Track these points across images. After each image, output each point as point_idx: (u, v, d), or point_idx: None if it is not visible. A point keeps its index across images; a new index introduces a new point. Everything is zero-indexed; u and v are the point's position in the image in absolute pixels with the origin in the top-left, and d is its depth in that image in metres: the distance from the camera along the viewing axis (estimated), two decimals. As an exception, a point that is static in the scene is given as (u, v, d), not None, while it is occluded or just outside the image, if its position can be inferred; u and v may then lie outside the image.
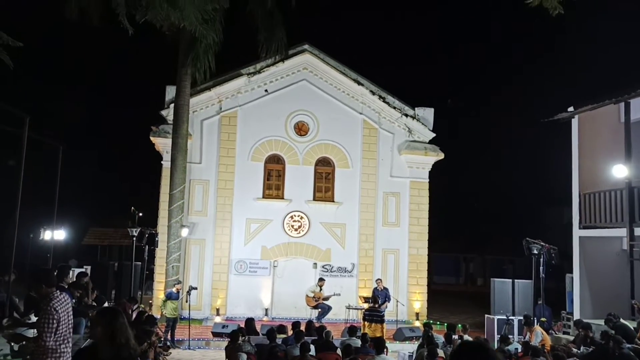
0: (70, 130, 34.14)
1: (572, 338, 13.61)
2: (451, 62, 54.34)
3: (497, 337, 15.14)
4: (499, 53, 51.85)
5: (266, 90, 20.54)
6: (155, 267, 19.44)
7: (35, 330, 6.23)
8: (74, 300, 9.62)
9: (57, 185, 18.21)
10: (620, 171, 15.28)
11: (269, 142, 20.35)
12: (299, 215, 20.12)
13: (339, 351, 10.21)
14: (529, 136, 40.39)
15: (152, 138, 19.74)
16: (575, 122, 17.71)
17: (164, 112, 19.82)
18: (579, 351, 11.27)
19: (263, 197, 20.15)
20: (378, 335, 13.80)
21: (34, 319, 7.12)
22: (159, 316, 16.04)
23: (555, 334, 15.74)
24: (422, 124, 21.02)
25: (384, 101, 20.91)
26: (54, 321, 5.66)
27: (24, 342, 6.86)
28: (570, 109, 17.47)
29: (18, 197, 12.89)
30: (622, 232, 15.57)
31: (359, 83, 20.77)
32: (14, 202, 12.99)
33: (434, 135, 21.05)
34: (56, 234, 25.76)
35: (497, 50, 51.55)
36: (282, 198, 20.22)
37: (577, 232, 17.32)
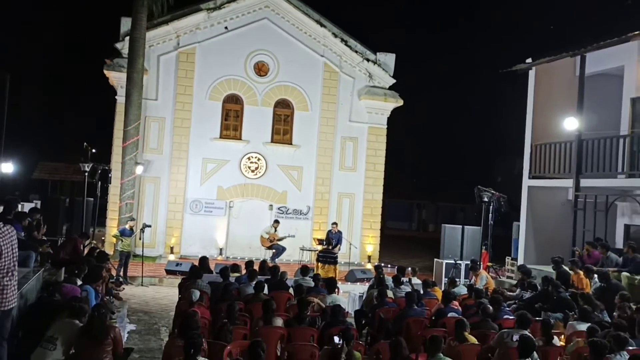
0: (19, 60, 32.66)
1: (515, 282, 14.25)
2: (412, 9, 53.69)
3: (444, 280, 15.73)
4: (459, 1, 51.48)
5: (226, 28, 19.98)
6: (108, 203, 19.21)
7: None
8: (22, 233, 9.43)
9: (4, 116, 17.56)
10: (571, 124, 15.64)
11: (228, 82, 19.97)
12: (256, 157, 20.04)
13: (291, 290, 10.40)
14: (485, 86, 40.73)
15: (105, 71, 19.11)
16: (532, 74, 17.94)
17: (118, 45, 19.13)
18: (514, 293, 11.90)
19: (220, 137, 19.93)
20: (330, 275, 14.13)
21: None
22: (111, 252, 15.98)
23: (500, 278, 16.46)
24: (383, 69, 20.95)
25: (346, 44, 20.67)
26: None
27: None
28: (528, 60, 17.66)
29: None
30: (569, 182, 16.11)
31: (322, 24, 20.41)
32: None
33: (395, 81, 21.04)
34: (4, 167, 25.08)
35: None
36: (240, 139, 20.05)
37: (526, 182, 17.84)
